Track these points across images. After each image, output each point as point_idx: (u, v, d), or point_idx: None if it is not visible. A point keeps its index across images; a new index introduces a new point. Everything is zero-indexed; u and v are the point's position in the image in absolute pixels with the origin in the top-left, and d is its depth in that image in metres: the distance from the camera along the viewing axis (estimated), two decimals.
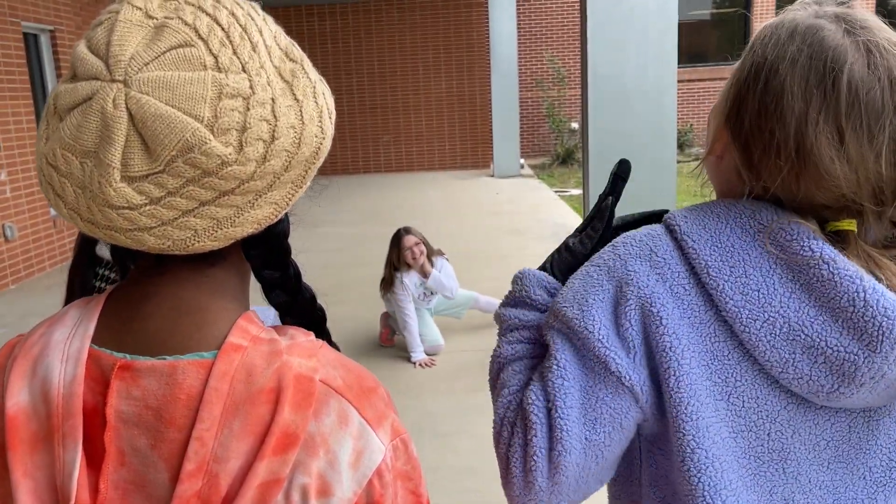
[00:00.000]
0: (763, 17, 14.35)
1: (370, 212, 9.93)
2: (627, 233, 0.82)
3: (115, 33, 0.60)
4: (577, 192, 10.91)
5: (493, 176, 12.70)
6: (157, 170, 0.58)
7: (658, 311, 0.74)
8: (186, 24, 0.60)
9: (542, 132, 15.08)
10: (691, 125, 14.20)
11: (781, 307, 0.71)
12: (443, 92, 13.97)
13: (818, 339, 0.70)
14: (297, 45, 0.67)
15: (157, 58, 0.59)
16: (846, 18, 0.72)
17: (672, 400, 0.74)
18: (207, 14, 0.61)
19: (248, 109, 0.59)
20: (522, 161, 13.10)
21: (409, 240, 4.46)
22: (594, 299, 0.77)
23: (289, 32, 0.67)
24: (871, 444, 0.77)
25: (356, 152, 14.14)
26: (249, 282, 0.71)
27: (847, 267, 0.70)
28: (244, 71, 0.60)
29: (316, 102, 0.64)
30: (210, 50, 0.59)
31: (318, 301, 0.73)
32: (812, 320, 0.70)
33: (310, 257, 7.79)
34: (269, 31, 0.64)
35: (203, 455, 0.59)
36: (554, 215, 9.02)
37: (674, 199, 4.34)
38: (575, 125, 14.14)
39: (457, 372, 4.35)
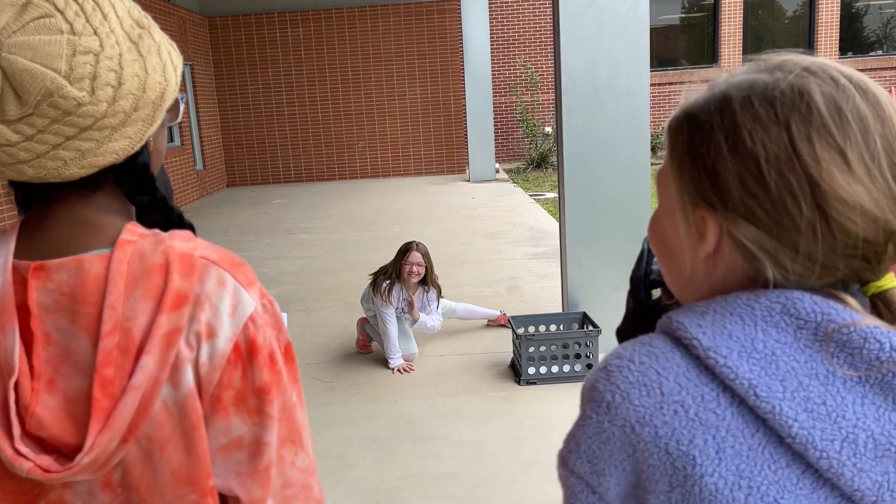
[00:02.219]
0: (729, 22, 14.57)
1: (346, 218, 9.90)
2: (621, 352, 0.68)
3: None
4: (552, 195, 10.97)
5: (468, 181, 12.74)
6: (27, 113, 0.73)
7: (688, 452, 0.61)
8: (46, 0, 0.76)
9: (516, 137, 15.16)
10: (662, 128, 14.35)
11: (858, 419, 0.58)
12: (417, 98, 13.99)
13: None
14: (148, 17, 0.84)
15: (22, 27, 0.74)
16: (780, 65, 0.65)
17: None
18: None
19: (98, 62, 0.75)
20: (497, 166, 13.16)
21: (415, 257, 4.51)
22: (607, 464, 0.65)
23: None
24: None
25: (332, 159, 14.09)
26: (132, 209, 0.88)
27: None
28: (96, 34, 0.76)
29: (160, 58, 0.81)
30: (66, 19, 0.75)
31: (186, 219, 0.91)
32: None
33: (286, 263, 7.78)
34: (123, 6, 0.81)
35: (115, 318, 0.76)
36: (529, 219, 9.06)
37: (648, 199, 4.38)
38: (549, 129, 14.24)
39: (435, 377, 4.35)
